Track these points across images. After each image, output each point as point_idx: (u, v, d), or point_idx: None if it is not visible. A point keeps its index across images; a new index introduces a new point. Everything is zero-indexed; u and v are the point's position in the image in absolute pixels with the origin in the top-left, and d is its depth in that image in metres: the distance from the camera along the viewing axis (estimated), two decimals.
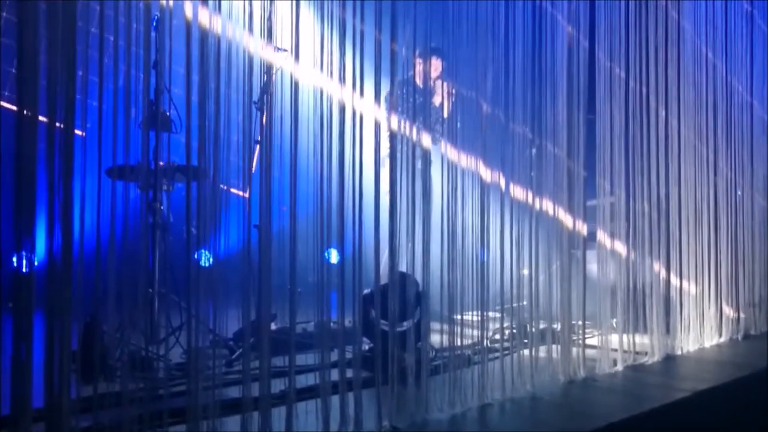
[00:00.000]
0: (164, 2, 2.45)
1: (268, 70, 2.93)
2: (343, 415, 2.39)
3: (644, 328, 4.15)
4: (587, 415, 2.92)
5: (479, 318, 3.04)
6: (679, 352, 4.36)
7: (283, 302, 2.53)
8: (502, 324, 3.32)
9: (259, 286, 2.47)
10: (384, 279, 2.71)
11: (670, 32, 4.54)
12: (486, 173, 3.14)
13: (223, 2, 2.40)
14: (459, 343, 2.92)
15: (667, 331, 4.31)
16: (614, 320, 3.95)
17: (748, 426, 3.53)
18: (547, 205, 3.51)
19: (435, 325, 2.97)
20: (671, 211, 4.50)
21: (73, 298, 1.96)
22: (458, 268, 2.95)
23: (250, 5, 2.44)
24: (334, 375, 2.46)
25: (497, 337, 3.37)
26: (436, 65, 4.41)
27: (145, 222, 3.04)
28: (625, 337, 3.92)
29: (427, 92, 3.72)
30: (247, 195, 2.60)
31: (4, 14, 2.00)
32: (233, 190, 2.82)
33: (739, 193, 5.41)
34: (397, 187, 2.73)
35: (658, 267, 4.33)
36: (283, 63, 2.73)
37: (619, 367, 3.77)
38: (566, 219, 3.61)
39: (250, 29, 2.45)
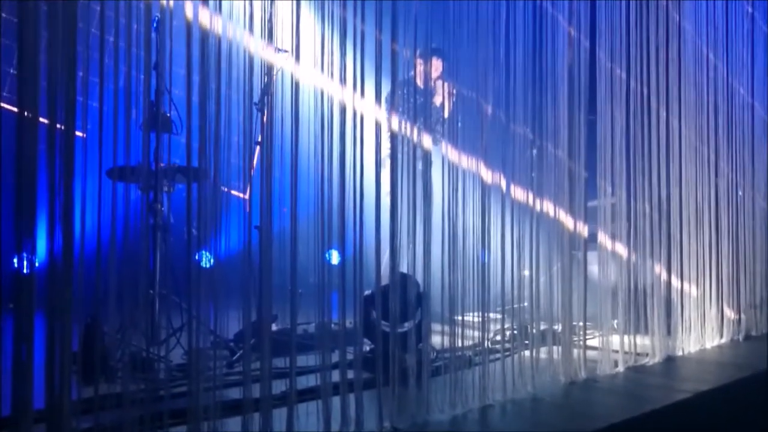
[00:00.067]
0: (164, 2, 2.45)
1: (268, 70, 2.93)
2: (344, 416, 2.39)
3: (645, 329, 4.14)
4: (588, 416, 2.92)
5: (480, 319, 3.04)
6: (680, 353, 4.36)
7: (284, 303, 2.53)
8: (503, 325, 3.32)
9: (259, 287, 2.47)
10: (385, 280, 2.71)
11: (671, 33, 4.54)
12: (487, 174, 3.14)
13: (223, 3, 2.40)
14: (460, 344, 2.92)
15: (668, 332, 4.31)
16: (615, 321, 3.95)
17: (748, 427, 3.52)
18: (548, 206, 3.51)
19: (436, 326, 2.97)
20: (672, 212, 4.50)
21: (74, 299, 1.96)
22: (459, 269, 2.95)
23: (251, 6, 2.44)
24: (335, 376, 2.46)
25: (498, 338, 3.37)
26: (437, 65, 4.42)
27: (145, 223, 3.04)
28: (626, 338, 3.92)
29: (428, 93, 3.72)
30: (246, 197, 2.60)
31: (4, 15, 1.99)
32: (234, 192, 2.82)
33: (740, 193, 5.41)
34: (398, 187, 2.73)
35: (659, 268, 4.33)
36: (283, 64, 2.73)
37: (620, 368, 3.76)
38: (567, 220, 3.60)
39: (251, 30, 2.45)
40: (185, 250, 2.46)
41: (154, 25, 2.46)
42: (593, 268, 3.97)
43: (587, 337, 3.66)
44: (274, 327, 2.71)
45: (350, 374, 2.49)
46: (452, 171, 2.99)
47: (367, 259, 2.60)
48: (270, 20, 2.47)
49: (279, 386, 2.36)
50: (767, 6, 5.85)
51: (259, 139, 2.96)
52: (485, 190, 3.11)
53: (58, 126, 1.94)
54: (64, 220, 1.93)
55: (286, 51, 2.66)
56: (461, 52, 3.13)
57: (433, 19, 2.92)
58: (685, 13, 4.74)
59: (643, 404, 3.00)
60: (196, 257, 2.42)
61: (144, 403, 2.16)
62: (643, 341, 4.09)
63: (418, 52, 3.05)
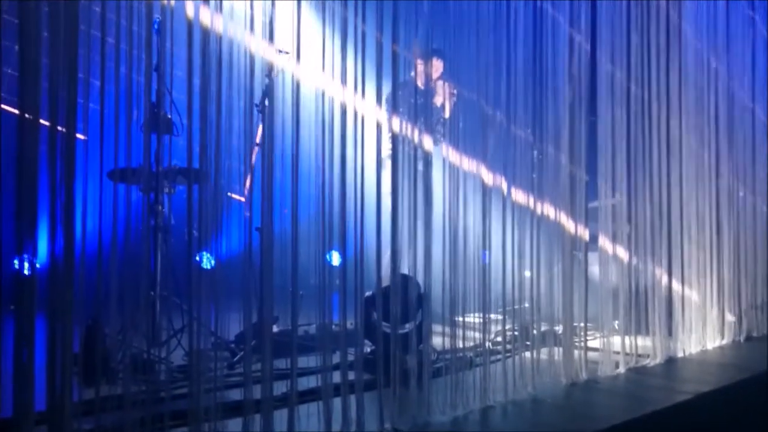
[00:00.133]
0: (165, 1, 2.45)
1: (269, 72, 2.94)
2: (345, 417, 2.39)
3: (646, 330, 4.14)
4: (589, 417, 2.92)
5: (481, 320, 3.03)
6: (681, 355, 4.36)
7: (285, 304, 2.53)
8: (503, 326, 3.32)
9: (260, 289, 2.48)
10: (386, 281, 2.71)
11: (671, 35, 4.54)
12: (487, 175, 3.14)
13: (224, 3, 2.40)
14: (461, 346, 2.92)
15: (669, 333, 4.31)
16: (616, 322, 3.94)
17: (749, 428, 3.52)
18: (549, 207, 3.51)
19: (437, 328, 2.97)
20: (673, 213, 4.50)
21: (75, 301, 1.96)
22: (460, 270, 2.95)
23: (252, 7, 2.45)
24: (336, 377, 2.46)
25: (499, 339, 3.37)
26: (437, 66, 4.42)
27: (146, 224, 3.04)
28: (626, 339, 3.92)
29: (429, 93, 3.72)
30: (243, 199, 2.60)
31: (6, 16, 2.00)
32: (235, 196, 2.82)
33: (741, 194, 5.41)
34: (399, 188, 2.73)
35: (660, 269, 4.33)
36: (284, 65, 2.73)
37: (621, 370, 3.76)
38: (568, 221, 3.60)
39: (252, 31, 2.45)
40: (186, 252, 2.46)
41: (155, 26, 2.46)
42: (594, 269, 3.97)
43: (588, 338, 3.66)
44: (275, 328, 2.71)
45: (351, 375, 2.49)
46: (453, 172, 2.99)
47: (367, 261, 2.60)
48: (271, 21, 2.48)
49: (280, 387, 2.36)
50: None
51: (259, 141, 2.96)
52: (486, 191, 3.11)
53: (59, 128, 1.94)
54: (65, 222, 1.94)
55: (287, 52, 2.66)
56: (462, 53, 3.13)
57: (433, 21, 2.92)
58: (685, 16, 4.74)
59: (644, 405, 3.00)
60: (197, 258, 2.42)
61: (145, 404, 2.16)
62: (644, 342, 4.09)
63: (418, 53, 3.05)
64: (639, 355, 3.98)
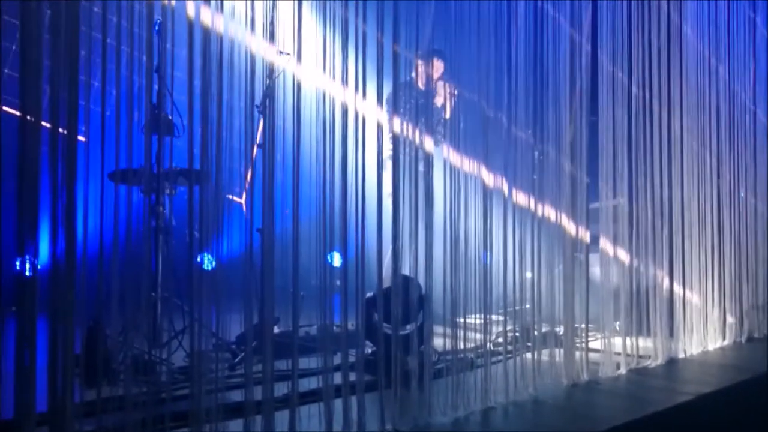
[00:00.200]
0: (166, 1, 2.45)
1: (270, 73, 2.94)
2: (346, 418, 2.39)
3: (647, 332, 4.14)
4: (590, 418, 2.92)
5: (482, 321, 3.03)
6: (682, 356, 4.36)
7: (286, 306, 2.53)
8: (504, 327, 3.31)
9: (261, 290, 2.48)
10: (387, 282, 2.71)
11: (672, 36, 4.54)
12: (488, 176, 3.14)
13: (225, 4, 2.40)
14: (462, 347, 2.91)
15: (671, 334, 4.31)
16: (617, 323, 3.94)
17: (750, 429, 3.52)
18: (550, 208, 3.51)
19: (438, 329, 2.97)
20: (674, 214, 4.50)
21: (77, 302, 1.96)
22: (461, 271, 2.95)
23: (252, 8, 2.45)
24: (337, 378, 2.46)
25: (500, 340, 3.37)
26: (438, 67, 4.43)
27: (147, 226, 3.05)
28: (628, 340, 3.92)
29: (429, 94, 3.72)
30: (241, 201, 2.60)
31: (7, 18, 2.00)
32: (236, 199, 2.82)
33: (742, 194, 5.41)
34: (400, 189, 2.73)
35: (661, 270, 4.33)
36: (285, 66, 2.74)
37: (622, 371, 3.76)
38: (569, 222, 3.60)
39: (252, 32, 2.45)
40: (187, 253, 2.47)
41: (156, 28, 2.46)
42: (595, 270, 3.97)
43: (589, 339, 3.66)
44: (276, 329, 2.71)
45: (352, 377, 2.49)
46: (454, 173, 2.99)
47: (368, 262, 2.59)
48: (272, 22, 2.48)
49: (281, 389, 2.36)
50: None
51: (259, 142, 2.96)
52: (487, 191, 3.11)
53: (60, 130, 1.94)
54: (67, 223, 1.94)
55: (288, 54, 2.66)
56: (463, 54, 3.13)
57: (434, 22, 2.92)
58: (686, 17, 4.74)
59: (645, 406, 3.00)
60: (198, 260, 2.43)
61: (146, 405, 2.16)
62: (645, 343, 4.09)
63: (419, 54, 3.06)
64: (640, 356, 3.98)
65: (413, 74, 3.25)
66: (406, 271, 2.81)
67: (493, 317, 3.17)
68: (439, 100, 4.30)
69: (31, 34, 1.93)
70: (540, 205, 3.45)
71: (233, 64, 2.42)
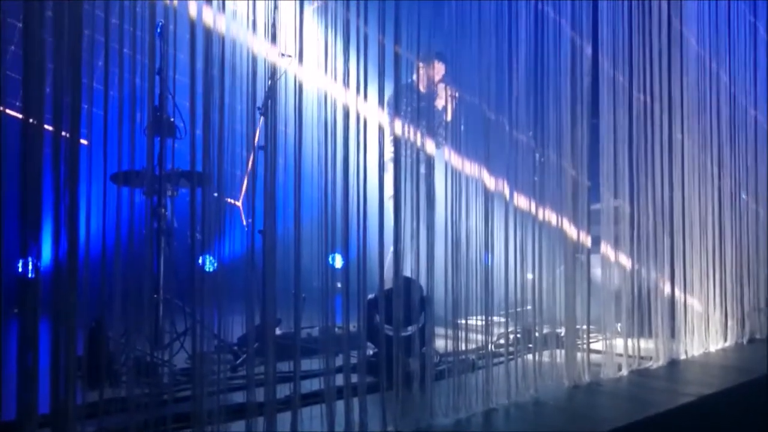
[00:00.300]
0: (168, 1, 2.45)
1: (272, 75, 2.94)
2: (348, 420, 2.39)
3: (649, 333, 4.14)
4: (592, 419, 2.92)
5: (484, 323, 3.03)
6: (683, 357, 4.36)
7: (288, 307, 2.53)
8: (506, 329, 3.32)
9: (263, 292, 2.48)
10: (388, 284, 2.71)
11: (672, 39, 4.55)
12: (489, 178, 3.14)
13: (227, 5, 2.41)
14: (463, 348, 2.91)
15: (672, 335, 4.31)
16: (619, 324, 3.94)
17: (752, 430, 3.52)
18: (551, 210, 3.51)
19: (439, 330, 2.97)
20: (675, 216, 4.50)
21: (79, 304, 1.96)
22: (462, 272, 2.95)
23: (254, 10, 2.46)
24: (339, 380, 2.46)
25: (502, 341, 3.37)
26: (439, 69, 4.44)
27: (149, 227, 3.05)
28: (629, 341, 3.92)
29: (430, 96, 3.72)
30: (239, 203, 2.60)
31: (13, 21, 2.00)
32: (234, 202, 2.82)
33: (743, 196, 5.41)
34: (401, 191, 2.74)
35: (662, 271, 4.33)
36: (287, 67, 2.74)
37: (624, 372, 3.76)
38: (570, 224, 3.60)
39: (254, 34, 2.46)
40: (189, 255, 2.47)
41: (158, 30, 2.47)
42: (596, 272, 3.97)
43: (591, 340, 3.66)
44: (277, 331, 2.71)
45: (354, 378, 2.49)
46: (455, 174, 3.00)
47: (370, 263, 2.60)
48: (273, 24, 2.48)
49: (283, 390, 2.36)
50: None
51: (259, 143, 2.96)
52: (488, 193, 3.11)
53: (63, 133, 1.95)
54: (69, 225, 1.94)
55: (290, 56, 2.67)
56: (463, 56, 3.14)
57: (435, 24, 2.93)
58: (686, 20, 4.75)
59: (646, 408, 3.00)
60: (200, 261, 2.43)
61: (148, 407, 2.16)
62: (646, 344, 4.09)
63: (420, 56, 3.06)
64: (642, 358, 3.98)
65: (414, 77, 3.25)
66: (407, 272, 2.82)
67: (495, 319, 3.17)
68: (440, 103, 4.30)
69: (33, 37, 1.93)
70: (541, 206, 3.45)
71: (235, 65, 2.42)
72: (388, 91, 2.79)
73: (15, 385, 1.83)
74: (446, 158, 3.03)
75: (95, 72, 2.09)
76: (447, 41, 3.09)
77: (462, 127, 3.23)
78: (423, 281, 2.82)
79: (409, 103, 3.11)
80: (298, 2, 2.51)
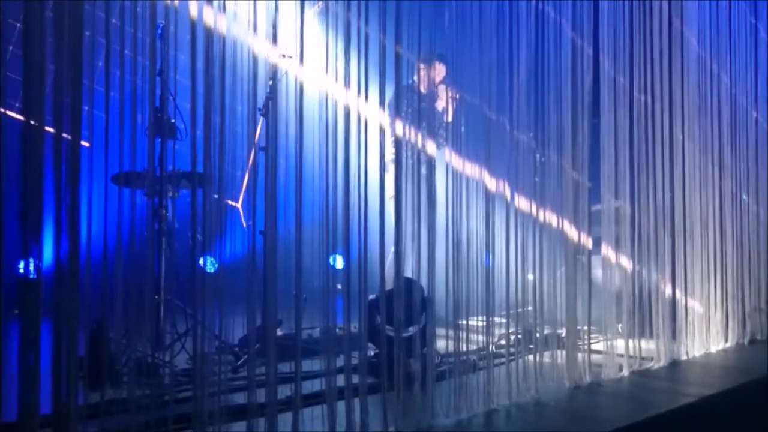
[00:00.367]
0: (169, 1, 2.45)
1: (273, 75, 2.94)
2: (349, 420, 2.39)
3: (650, 333, 4.14)
4: (593, 420, 2.92)
5: (484, 323, 3.04)
6: (684, 357, 4.36)
7: (289, 308, 2.53)
8: (507, 329, 3.32)
9: (264, 292, 2.48)
10: (389, 284, 2.71)
11: (673, 40, 4.55)
12: (490, 179, 3.14)
13: (227, 7, 2.41)
14: (464, 349, 2.91)
15: (673, 336, 4.31)
16: (620, 325, 3.94)
17: (753, 431, 3.51)
18: (552, 211, 3.51)
19: (440, 331, 2.97)
20: (676, 217, 4.50)
21: (80, 305, 1.96)
22: (463, 273, 2.95)
23: (255, 10, 2.46)
24: (340, 381, 2.46)
25: (503, 342, 3.37)
26: (440, 70, 4.44)
27: (150, 229, 3.06)
28: (630, 342, 3.92)
29: (431, 97, 3.72)
30: (238, 205, 2.60)
31: (11, 21, 2.00)
32: (236, 204, 2.82)
33: (744, 197, 5.41)
34: (402, 192, 2.74)
35: (663, 272, 4.33)
36: (288, 68, 2.74)
37: (625, 373, 3.76)
38: (571, 225, 3.60)
39: (255, 35, 2.46)
40: (190, 256, 2.47)
41: (159, 31, 2.47)
42: (597, 272, 3.97)
43: (592, 341, 3.66)
44: (278, 332, 2.71)
45: (355, 379, 2.49)
46: (456, 175, 3.00)
47: (371, 264, 2.60)
48: (274, 25, 2.48)
49: (284, 391, 2.36)
50: None
51: (255, 142, 2.97)
52: (489, 194, 3.11)
53: (64, 135, 1.95)
54: (70, 226, 1.94)
55: (290, 57, 2.67)
56: (464, 57, 3.14)
57: (436, 24, 2.93)
58: (687, 22, 4.75)
59: (648, 408, 3.00)
60: (201, 262, 2.43)
61: (149, 408, 2.16)
62: (647, 345, 4.09)
63: (421, 57, 3.06)
64: (643, 358, 3.98)
65: (415, 78, 3.25)
66: (408, 273, 2.82)
67: (496, 319, 3.17)
68: (440, 104, 4.31)
69: (34, 37, 1.94)
70: (542, 207, 3.45)
71: (236, 66, 2.43)
72: (389, 92, 2.80)
73: (16, 386, 1.83)
74: (447, 159, 3.03)
75: (96, 73, 2.09)
76: (448, 42, 3.09)
77: (463, 128, 3.23)
78: (424, 282, 2.82)
79: (410, 104, 3.12)
80: (298, 3, 2.51)
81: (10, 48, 1.99)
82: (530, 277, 3.35)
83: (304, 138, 2.49)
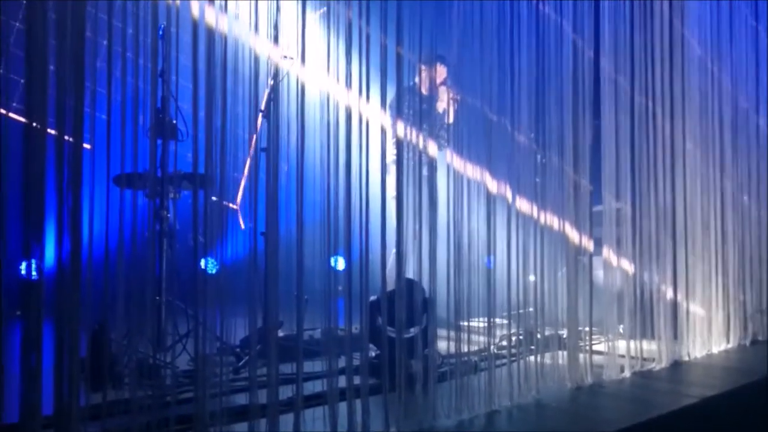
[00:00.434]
0: (170, 1, 2.45)
1: (274, 76, 2.95)
2: (351, 421, 2.39)
3: (651, 334, 4.14)
4: (594, 421, 2.92)
5: (486, 324, 3.04)
6: (686, 359, 4.35)
7: (290, 309, 2.54)
8: (508, 330, 3.32)
9: (265, 293, 2.48)
10: (391, 285, 2.71)
11: (674, 42, 4.55)
12: (491, 180, 3.15)
13: (229, 5, 2.41)
14: (466, 350, 2.91)
15: (675, 337, 4.30)
16: (621, 326, 3.94)
17: None
18: (553, 212, 3.51)
19: (442, 332, 2.97)
20: (677, 218, 4.50)
21: (82, 306, 1.97)
22: (465, 274, 2.95)
23: (256, 11, 2.46)
24: (342, 382, 2.46)
25: (504, 343, 3.37)
26: (441, 72, 4.44)
27: (152, 230, 3.06)
28: (632, 343, 3.92)
29: (432, 99, 3.72)
30: (236, 206, 2.60)
31: (13, 23, 2.01)
32: (235, 206, 2.82)
33: (745, 198, 5.41)
34: (404, 193, 2.74)
35: (665, 273, 4.33)
36: (289, 69, 2.75)
37: (627, 374, 3.76)
38: (572, 226, 3.60)
39: (256, 36, 2.46)
40: (191, 257, 2.47)
41: (160, 32, 2.47)
42: (599, 273, 3.97)
43: (593, 342, 3.66)
44: (280, 333, 2.71)
45: (357, 380, 2.49)
46: (457, 176, 3.00)
47: (372, 265, 2.60)
48: (276, 26, 2.49)
49: (285, 392, 2.36)
50: None
51: (254, 143, 2.97)
52: (490, 195, 3.11)
53: (66, 137, 1.95)
54: (72, 227, 1.95)
55: (292, 58, 2.67)
56: (465, 59, 3.14)
57: (437, 26, 2.93)
58: (688, 24, 4.75)
59: (649, 409, 3.00)
60: (202, 263, 2.43)
61: (151, 409, 2.17)
62: (649, 346, 4.08)
63: (422, 58, 3.06)
64: (644, 359, 3.97)
65: (416, 79, 3.25)
66: (410, 274, 2.82)
67: (497, 320, 3.17)
68: (441, 105, 4.31)
69: (36, 39, 1.94)
70: (543, 208, 3.45)
71: (237, 67, 2.43)
72: (391, 94, 2.80)
73: (18, 387, 1.84)
74: (448, 160, 3.03)
75: (98, 74, 2.10)
76: (449, 43, 3.10)
77: (464, 130, 3.24)
78: (425, 283, 2.82)
79: (411, 106, 3.12)
80: (300, 4, 2.52)
81: (12, 50, 1.99)
82: (531, 278, 3.35)
83: (305, 139, 2.49)
